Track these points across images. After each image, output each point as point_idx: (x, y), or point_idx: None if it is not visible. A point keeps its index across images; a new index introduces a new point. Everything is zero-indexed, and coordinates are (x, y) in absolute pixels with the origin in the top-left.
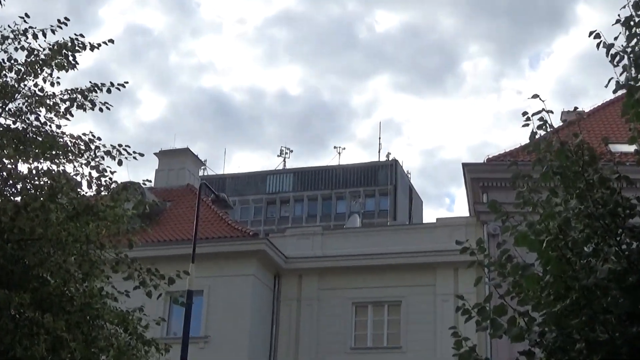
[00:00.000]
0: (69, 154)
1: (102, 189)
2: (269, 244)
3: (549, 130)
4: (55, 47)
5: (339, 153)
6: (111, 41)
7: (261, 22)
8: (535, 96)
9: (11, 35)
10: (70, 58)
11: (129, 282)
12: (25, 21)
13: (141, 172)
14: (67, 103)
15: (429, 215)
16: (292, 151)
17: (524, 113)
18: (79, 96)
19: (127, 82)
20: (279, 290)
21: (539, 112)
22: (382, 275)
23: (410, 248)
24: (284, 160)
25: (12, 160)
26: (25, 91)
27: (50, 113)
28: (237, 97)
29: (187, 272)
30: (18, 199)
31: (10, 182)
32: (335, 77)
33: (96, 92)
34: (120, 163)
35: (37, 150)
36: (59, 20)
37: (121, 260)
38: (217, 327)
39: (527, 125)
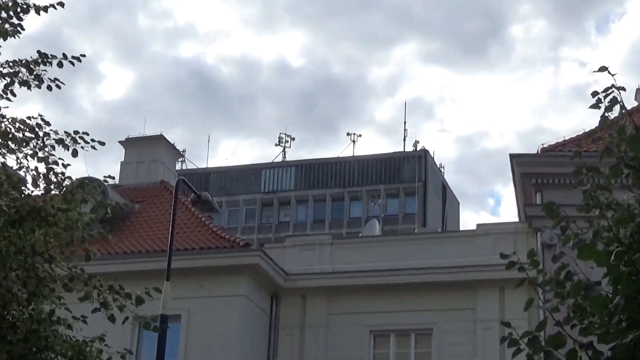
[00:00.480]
0: (10, 143)
1: (52, 187)
2: (264, 256)
3: (620, 112)
4: None
5: (353, 141)
6: (61, 4)
7: None
8: (603, 69)
9: None
10: (12, 22)
11: (86, 303)
12: None
13: (103, 165)
14: (8, 79)
15: (468, 220)
16: (293, 139)
17: (594, 93)
18: (23, 70)
19: (83, 55)
20: (277, 314)
21: (608, 89)
22: (409, 297)
23: (444, 262)
24: (284, 151)
25: None
26: None
27: None
28: (224, 70)
29: (160, 291)
30: None
31: None
32: (348, 44)
33: (45, 64)
34: (75, 154)
35: None
36: None
37: (76, 277)
38: None
39: (597, 107)
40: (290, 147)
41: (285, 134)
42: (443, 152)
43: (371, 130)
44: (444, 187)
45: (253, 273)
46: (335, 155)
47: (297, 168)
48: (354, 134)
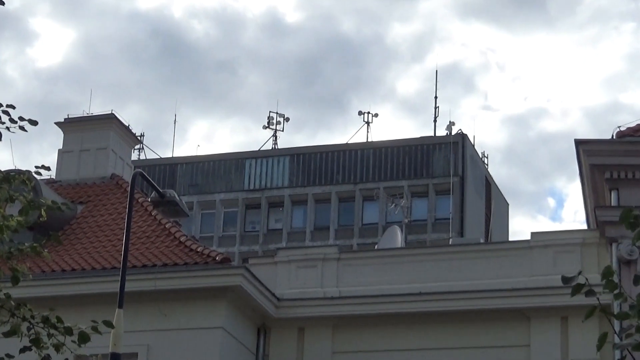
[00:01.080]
0: None
1: None
2: (248, 275)
3: None
4: None
5: (368, 123)
6: None
7: None
8: None
9: None
10: None
11: (13, 340)
12: None
13: (34, 154)
14: None
15: (520, 227)
16: (287, 120)
17: None
18: None
19: (2, 3)
20: (266, 352)
21: None
22: (440, 330)
23: (487, 284)
24: (275, 135)
25: None
26: None
27: None
28: (196, 28)
29: (110, 324)
30: None
31: None
32: None
33: None
34: None
35: None
36: None
37: None
38: None
39: None
40: (283, 131)
41: (277, 113)
42: (487, 137)
43: (391, 107)
44: (488, 184)
45: (234, 298)
46: (344, 142)
47: (293, 158)
48: (368, 113)
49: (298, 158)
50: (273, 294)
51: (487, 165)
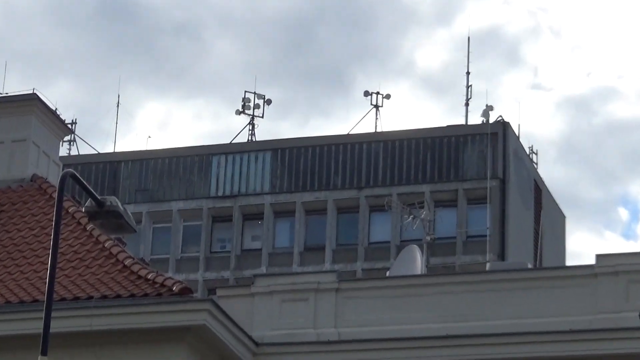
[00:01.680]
0: None
1: None
2: (215, 311)
3: None
4: None
5: (376, 107)
6: None
7: None
8: None
9: None
10: None
11: None
12: None
13: None
14: None
15: (581, 247)
16: (269, 102)
17: None
18: None
19: None
20: None
21: None
22: None
23: (538, 324)
24: (252, 123)
25: None
26: None
27: None
28: None
29: None
30: None
31: None
32: None
33: None
34: None
35: None
36: None
37: None
38: None
39: None
40: (262, 117)
41: (255, 94)
42: (537, 127)
43: (408, 86)
44: (538, 189)
45: (196, 342)
46: (344, 132)
47: (276, 155)
48: (378, 93)
49: (283, 154)
50: (249, 337)
51: (537, 164)
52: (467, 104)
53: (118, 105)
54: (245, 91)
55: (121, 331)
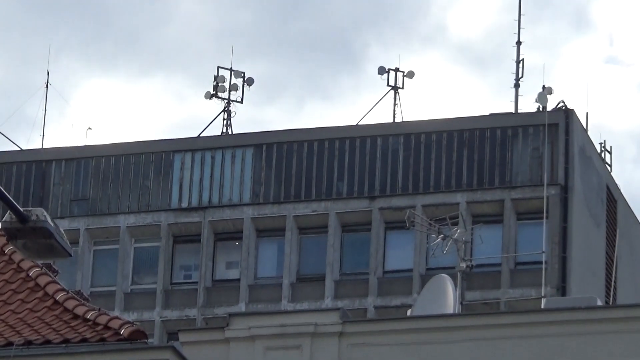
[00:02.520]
0: None
1: None
2: None
3: None
4: None
5: (395, 88)
6: None
7: None
8: None
9: None
10: None
11: None
12: None
13: None
14: None
15: None
16: (250, 82)
17: None
18: None
19: None
20: None
21: None
22: None
23: None
24: (227, 110)
25: None
26: None
27: None
28: None
29: None
30: None
31: None
32: None
33: None
34: None
35: None
36: None
37: None
38: None
39: None
40: (242, 102)
41: (232, 70)
42: (612, 116)
43: (437, 60)
44: (612, 199)
45: None
46: (352, 123)
47: (259, 152)
48: (397, 70)
49: (269, 152)
50: None
51: (611, 166)
52: (517, 85)
53: (47, 86)
54: (219, 67)
55: None
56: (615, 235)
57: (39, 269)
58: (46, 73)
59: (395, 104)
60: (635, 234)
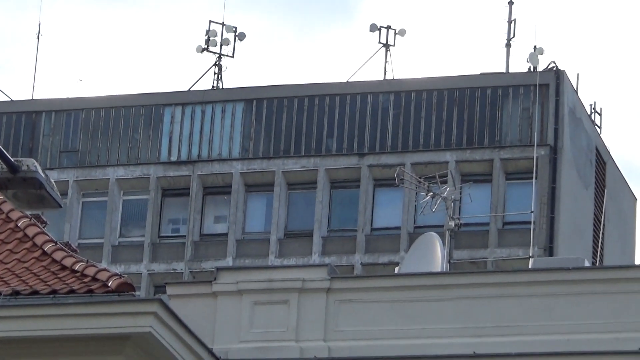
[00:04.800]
0: None
1: None
2: (165, 315)
3: None
4: None
5: (386, 46)
6: None
7: None
8: None
9: None
10: None
11: None
12: None
13: None
14: None
15: None
16: (242, 37)
17: None
18: None
19: None
20: None
21: None
22: None
23: (599, 340)
24: (218, 65)
25: None
26: None
27: None
28: None
29: None
30: None
31: None
32: None
33: None
34: None
35: None
36: None
37: None
38: None
39: None
40: (233, 57)
41: (224, 25)
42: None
43: (429, 18)
44: (601, 161)
45: (138, 354)
46: (343, 79)
47: (249, 107)
48: (389, 27)
49: (259, 107)
50: (209, 351)
51: (601, 127)
52: (508, 45)
53: (39, 36)
54: (210, 21)
55: (37, 339)
56: (603, 197)
57: (28, 219)
58: (37, 24)
59: (386, 62)
60: (623, 196)
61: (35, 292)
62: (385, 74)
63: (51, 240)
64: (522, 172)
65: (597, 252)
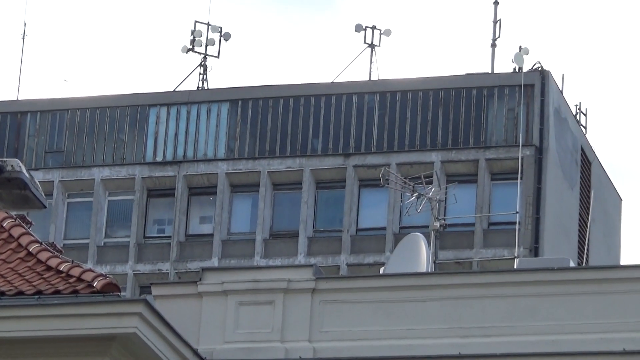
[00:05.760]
0: None
1: None
2: (150, 316)
3: None
4: None
5: (372, 46)
6: None
7: None
8: None
9: None
10: None
11: None
12: None
13: None
14: None
15: None
16: (227, 37)
17: None
18: None
19: None
20: None
21: None
22: None
23: (585, 340)
24: (203, 65)
25: None
26: None
27: None
28: None
29: None
30: None
31: None
32: None
33: None
34: None
35: None
36: None
37: None
38: None
39: None
40: (218, 57)
41: (209, 25)
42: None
43: (414, 18)
44: (587, 162)
45: (123, 355)
46: (328, 80)
47: (234, 108)
48: (374, 27)
49: (244, 107)
50: (194, 351)
51: (586, 128)
52: (493, 45)
53: (24, 36)
54: (196, 21)
55: (22, 340)
56: (589, 198)
57: (13, 220)
58: (23, 24)
59: (371, 62)
60: (608, 196)
61: (20, 293)
62: (370, 74)
63: (36, 241)
64: (508, 172)
65: (582, 252)
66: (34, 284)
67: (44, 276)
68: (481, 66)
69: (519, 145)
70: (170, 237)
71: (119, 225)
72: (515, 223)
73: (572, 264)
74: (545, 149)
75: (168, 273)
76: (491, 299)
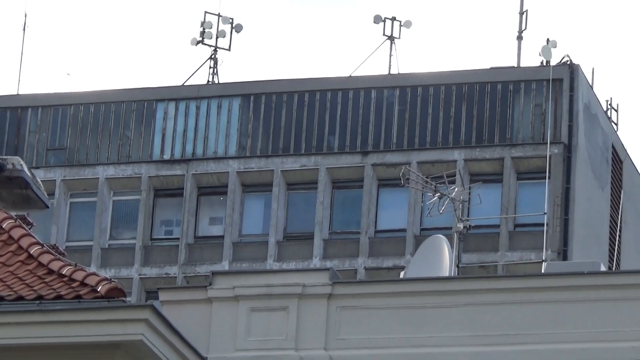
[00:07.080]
0: None
1: None
2: (157, 322)
3: None
4: None
5: (391, 38)
6: None
7: None
8: None
9: None
10: None
11: None
12: None
13: None
14: None
15: None
16: (239, 29)
17: None
18: None
19: None
20: None
21: None
22: None
23: (616, 348)
24: (214, 58)
25: None
26: None
27: None
28: None
29: None
30: None
31: None
32: None
33: None
34: None
35: None
36: None
37: None
38: None
39: None
40: (229, 50)
41: (220, 16)
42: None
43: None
44: (618, 161)
45: None
46: (345, 74)
47: (246, 103)
48: (394, 19)
49: (257, 103)
50: (203, 359)
51: (618, 124)
52: (519, 37)
53: (24, 28)
54: (206, 12)
55: (22, 348)
56: (620, 198)
57: (13, 220)
58: (23, 14)
59: (391, 55)
60: (637, 198)
61: (20, 298)
62: (390, 68)
63: (37, 243)
64: (535, 171)
65: (613, 255)
66: (34, 288)
67: (46, 280)
68: (507, 59)
69: (546, 143)
70: (178, 239)
71: (124, 226)
72: (542, 225)
73: (602, 268)
74: (574, 146)
75: (176, 277)
76: (517, 305)
